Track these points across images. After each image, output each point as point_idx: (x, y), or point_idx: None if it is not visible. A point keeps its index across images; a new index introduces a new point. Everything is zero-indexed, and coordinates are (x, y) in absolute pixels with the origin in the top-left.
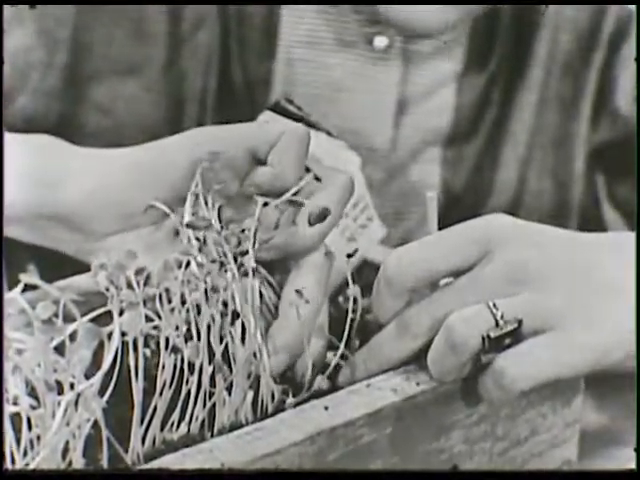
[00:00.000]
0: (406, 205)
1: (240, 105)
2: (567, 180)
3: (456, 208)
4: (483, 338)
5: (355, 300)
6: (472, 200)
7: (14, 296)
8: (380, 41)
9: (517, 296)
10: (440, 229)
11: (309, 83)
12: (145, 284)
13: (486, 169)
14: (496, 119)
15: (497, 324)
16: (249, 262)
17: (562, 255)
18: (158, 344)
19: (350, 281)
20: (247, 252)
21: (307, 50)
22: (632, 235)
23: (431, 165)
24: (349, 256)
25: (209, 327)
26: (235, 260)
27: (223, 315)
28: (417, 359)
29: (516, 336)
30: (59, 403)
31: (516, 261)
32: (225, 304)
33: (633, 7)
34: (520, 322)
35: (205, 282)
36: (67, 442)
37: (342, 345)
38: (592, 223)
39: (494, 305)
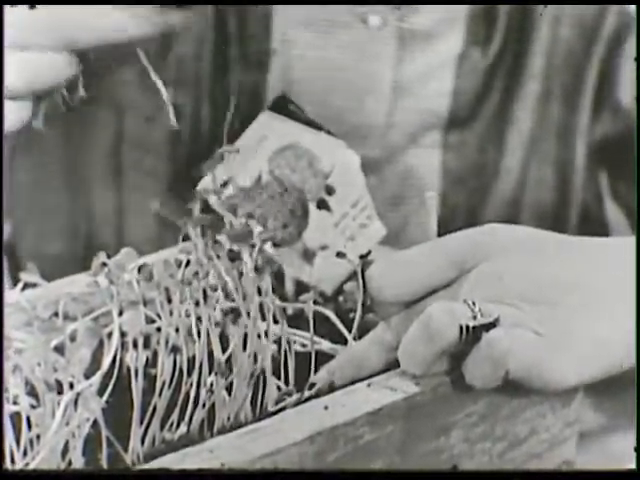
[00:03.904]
0: (405, 190)
1: (237, 90)
2: (568, 172)
3: (456, 195)
4: (461, 327)
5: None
6: (473, 187)
7: (14, 295)
8: (374, 19)
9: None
10: (440, 219)
11: (305, 65)
12: (145, 283)
13: (488, 156)
14: (499, 106)
15: (475, 317)
16: (250, 261)
17: (546, 268)
18: (158, 343)
19: (360, 281)
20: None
21: (302, 32)
22: (621, 241)
23: (431, 150)
24: (362, 257)
25: (209, 326)
26: (238, 260)
27: (225, 314)
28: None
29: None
30: (59, 402)
31: (495, 280)
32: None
33: (633, 7)
34: (497, 319)
35: (205, 281)
36: (67, 442)
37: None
38: (592, 217)
39: (473, 303)
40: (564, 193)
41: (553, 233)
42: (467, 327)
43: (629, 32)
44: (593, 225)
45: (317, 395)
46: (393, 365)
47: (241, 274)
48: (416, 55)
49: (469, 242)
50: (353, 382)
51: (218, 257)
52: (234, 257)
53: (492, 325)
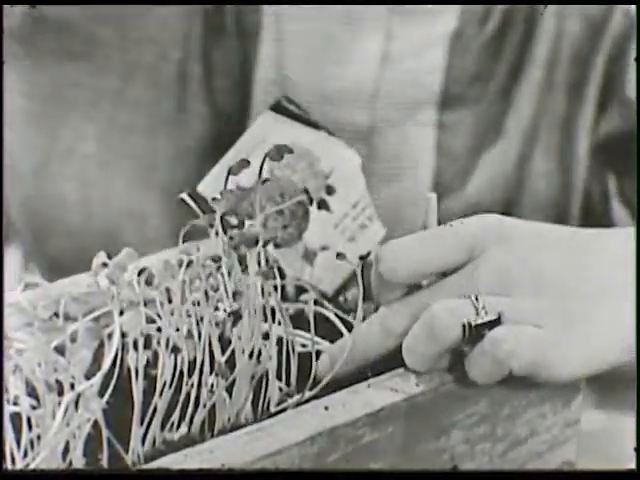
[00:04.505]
0: (398, 165)
1: (230, 54)
2: (569, 163)
3: (450, 174)
4: (464, 326)
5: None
6: (468, 168)
7: (15, 295)
8: None
9: (499, 298)
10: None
11: (296, 35)
12: (146, 284)
13: (486, 138)
14: (500, 89)
15: (478, 314)
16: (251, 261)
17: (549, 260)
18: (159, 344)
19: (360, 282)
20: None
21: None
22: (623, 232)
23: (426, 127)
24: (362, 258)
25: (209, 327)
26: (239, 261)
27: (228, 315)
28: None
29: (496, 326)
30: (59, 403)
31: (500, 269)
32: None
33: (633, 7)
34: (500, 315)
35: (206, 281)
36: (67, 442)
37: (348, 345)
38: (596, 213)
39: (476, 298)
40: (565, 183)
41: (557, 226)
42: (470, 325)
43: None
44: (596, 219)
45: (317, 396)
46: (396, 350)
47: (245, 274)
48: (408, 27)
49: (479, 228)
50: (358, 367)
51: (228, 255)
52: (239, 257)
53: (495, 322)
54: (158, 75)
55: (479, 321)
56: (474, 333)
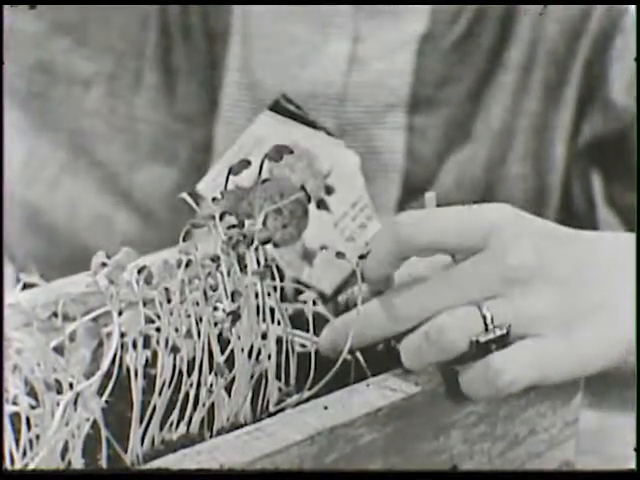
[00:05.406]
0: (366, 169)
1: (196, 56)
2: (544, 166)
3: (419, 177)
4: (471, 342)
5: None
6: (437, 171)
7: (14, 295)
8: None
9: (508, 299)
10: (401, 195)
11: (265, 35)
12: (145, 283)
13: (455, 140)
14: (468, 92)
15: (487, 328)
16: (250, 261)
17: (560, 259)
18: (158, 343)
19: (359, 281)
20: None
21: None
22: (631, 236)
23: (395, 131)
24: (361, 257)
25: (208, 326)
26: (238, 261)
27: (226, 315)
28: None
29: (503, 341)
30: (58, 403)
31: (513, 263)
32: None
33: (633, 7)
34: (509, 328)
35: (205, 281)
36: (66, 442)
37: (346, 347)
38: (577, 215)
39: (485, 307)
40: (541, 186)
41: (564, 227)
42: (478, 342)
43: (619, 30)
44: (578, 222)
45: (317, 395)
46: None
47: (244, 274)
48: (377, 29)
49: (497, 215)
50: (358, 347)
51: (227, 255)
52: (239, 257)
53: (503, 338)
54: (116, 83)
55: (488, 337)
56: (481, 349)
